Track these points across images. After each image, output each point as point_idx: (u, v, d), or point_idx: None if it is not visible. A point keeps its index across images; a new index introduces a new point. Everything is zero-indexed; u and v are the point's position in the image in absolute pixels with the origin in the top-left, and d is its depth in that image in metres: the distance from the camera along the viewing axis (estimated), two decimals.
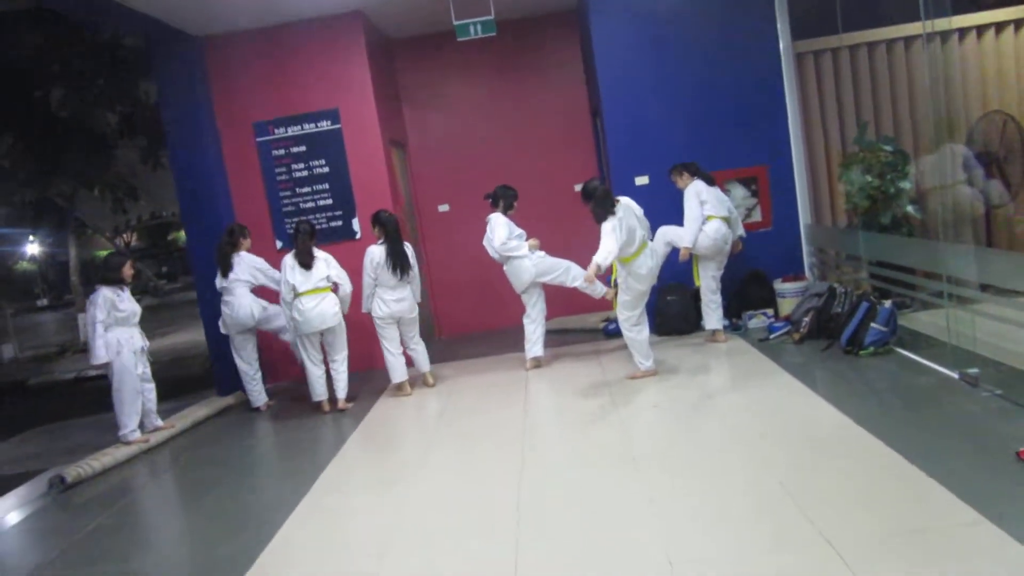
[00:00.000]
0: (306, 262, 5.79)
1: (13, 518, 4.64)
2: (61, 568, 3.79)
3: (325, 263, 5.87)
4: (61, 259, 22.59)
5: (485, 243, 6.14)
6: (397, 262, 5.78)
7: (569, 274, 6.08)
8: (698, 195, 5.94)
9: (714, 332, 6.23)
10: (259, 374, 6.37)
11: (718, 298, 6.16)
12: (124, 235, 30.08)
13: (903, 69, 6.96)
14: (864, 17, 6.64)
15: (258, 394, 6.34)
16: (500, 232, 6.00)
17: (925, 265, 5.36)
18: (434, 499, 3.93)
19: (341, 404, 5.99)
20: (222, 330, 6.24)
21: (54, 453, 6.14)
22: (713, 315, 6.17)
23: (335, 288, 5.92)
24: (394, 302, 5.89)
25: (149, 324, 18.28)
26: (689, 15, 6.72)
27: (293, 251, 5.85)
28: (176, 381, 9.46)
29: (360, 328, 6.49)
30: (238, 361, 6.28)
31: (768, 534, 3.04)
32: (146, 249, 34.44)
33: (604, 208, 5.19)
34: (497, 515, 3.55)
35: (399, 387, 6.11)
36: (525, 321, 6.23)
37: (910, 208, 6.22)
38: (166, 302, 24.51)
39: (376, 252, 5.82)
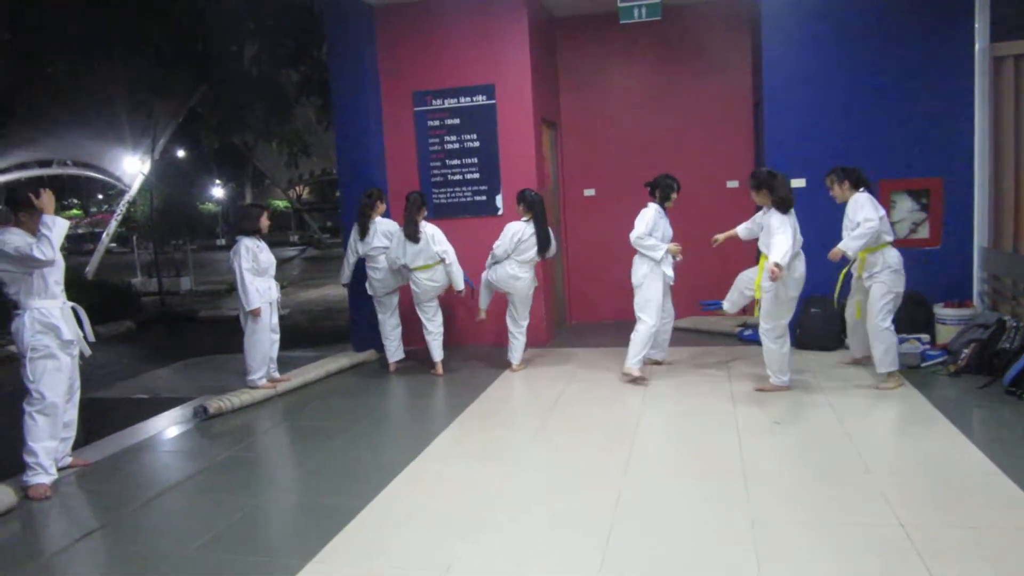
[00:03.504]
0: (412, 234, 6.02)
1: (163, 438, 5.13)
2: (192, 490, 4.15)
3: (431, 239, 6.04)
4: (240, 203, 24.50)
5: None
6: (542, 241, 5.95)
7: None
8: (876, 208, 5.11)
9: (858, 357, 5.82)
10: (397, 331, 6.62)
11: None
12: (296, 188, 32.19)
13: None
14: None
15: (393, 351, 6.60)
16: (640, 224, 5.64)
17: None
18: (534, 484, 3.95)
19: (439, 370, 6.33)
20: (368, 291, 6.55)
21: (204, 383, 6.70)
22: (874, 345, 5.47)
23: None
24: (514, 279, 6.03)
25: (308, 274, 19.49)
26: (872, 8, 6.23)
27: (406, 231, 6.09)
28: (322, 332, 10.05)
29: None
30: (380, 317, 6.57)
31: None
32: (315, 203, 36.67)
33: (789, 196, 5.04)
34: (593, 510, 3.51)
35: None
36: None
37: None
38: (327, 255, 26.01)
39: (521, 228, 5.96)
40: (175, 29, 13.10)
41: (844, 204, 5.34)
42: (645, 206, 5.75)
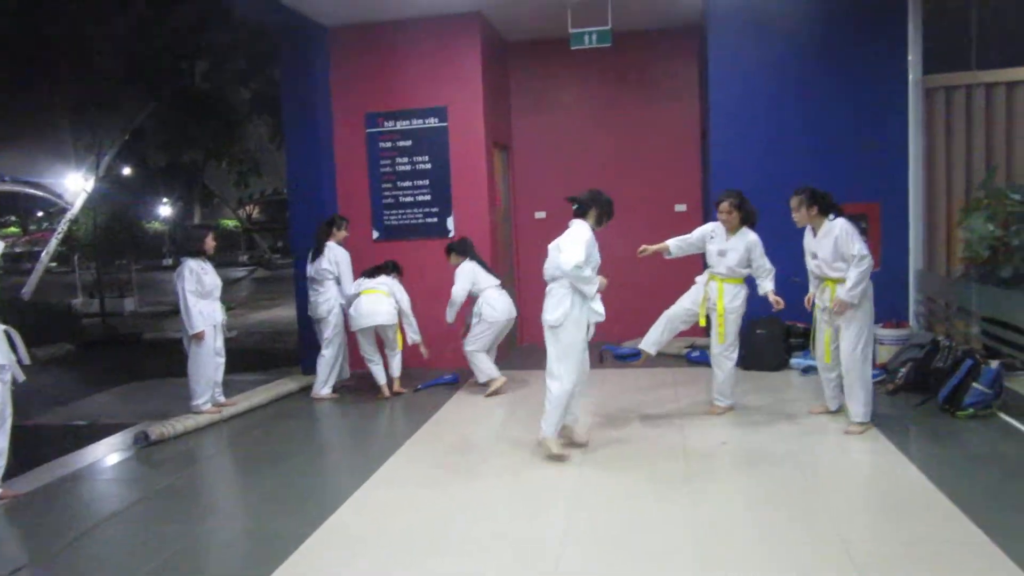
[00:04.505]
0: (371, 275, 6.27)
1: (102, 466, 4.97)
2: (132, 520, 4.02)
3: (388, 291, 6.16)
4: (188, 223, 24.02)
5: (551, 248, 4.66)
6: (485, 268, 6.23)
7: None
8: (860, 237, 4.63)
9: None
10: (333, 354, 6.50)
11: None
12: (246, 207, 31.69)
13: None
14: (1005, 55, 6.19)
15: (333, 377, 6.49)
16: (577, 248, 4.35)
17: None
18: (484, 505, 3.93)
19: (396, 387, 6.35)
20: (309, 313, 6.47)
21: (146, 408, 6.53)
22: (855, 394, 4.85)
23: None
24: (501, 299, 6.17)
25: (258, 296, 19.16)
26: (814, 40, 6.50)
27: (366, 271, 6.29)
28: (271, 354, 9.88)
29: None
30: (321, 341, 6.48)
31: None
32: (265, 223, 36.17)
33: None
34: (543, 531, 3.52)
35: (494, 384, 6.18)
36: None
37: None
38: (277, 275, 25.64)
39: (469, 265, 6.20)
40: (123, 45, 12.89)
41: (798, 232, 4.94)
42: (569, 225, 4.61)
